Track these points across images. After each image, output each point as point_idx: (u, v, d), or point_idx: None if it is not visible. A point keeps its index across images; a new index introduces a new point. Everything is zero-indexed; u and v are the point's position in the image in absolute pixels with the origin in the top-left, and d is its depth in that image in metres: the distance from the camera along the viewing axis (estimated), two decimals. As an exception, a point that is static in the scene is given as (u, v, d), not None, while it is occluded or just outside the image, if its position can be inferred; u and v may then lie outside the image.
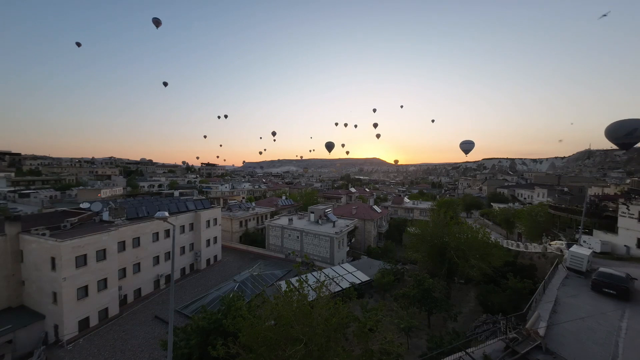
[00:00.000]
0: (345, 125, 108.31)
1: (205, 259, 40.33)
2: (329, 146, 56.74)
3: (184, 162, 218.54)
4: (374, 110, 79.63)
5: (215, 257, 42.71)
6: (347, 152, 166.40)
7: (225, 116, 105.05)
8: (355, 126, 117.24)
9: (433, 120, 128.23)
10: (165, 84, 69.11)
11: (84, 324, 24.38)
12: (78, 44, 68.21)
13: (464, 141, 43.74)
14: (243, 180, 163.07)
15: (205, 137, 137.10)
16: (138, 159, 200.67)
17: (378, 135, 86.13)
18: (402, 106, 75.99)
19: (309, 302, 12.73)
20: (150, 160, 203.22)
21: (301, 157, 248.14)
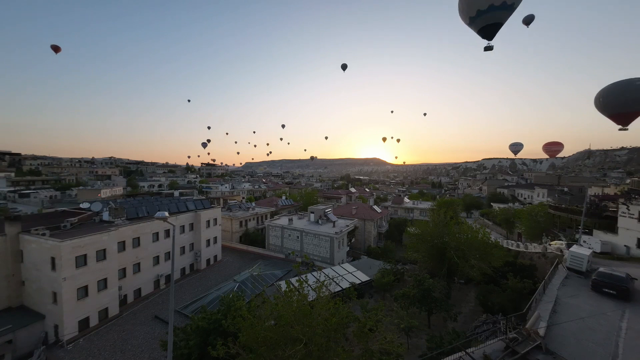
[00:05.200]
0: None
1: (205, 259, 40.33)
2: (344, 67, 59.79)
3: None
4: (425, 114, 79.72)
5: (215, 257, 42.70)
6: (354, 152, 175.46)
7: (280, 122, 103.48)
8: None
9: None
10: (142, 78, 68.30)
11: (84, 324, 24.36)
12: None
13: (513, 143, 45.49)
14: (243, 180, 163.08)
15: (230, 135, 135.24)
16: (139, 159, 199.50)
17: (385, 139, 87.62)
18: (425, 114, 77.17)
19: (309, 302, 12.73)
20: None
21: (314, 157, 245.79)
